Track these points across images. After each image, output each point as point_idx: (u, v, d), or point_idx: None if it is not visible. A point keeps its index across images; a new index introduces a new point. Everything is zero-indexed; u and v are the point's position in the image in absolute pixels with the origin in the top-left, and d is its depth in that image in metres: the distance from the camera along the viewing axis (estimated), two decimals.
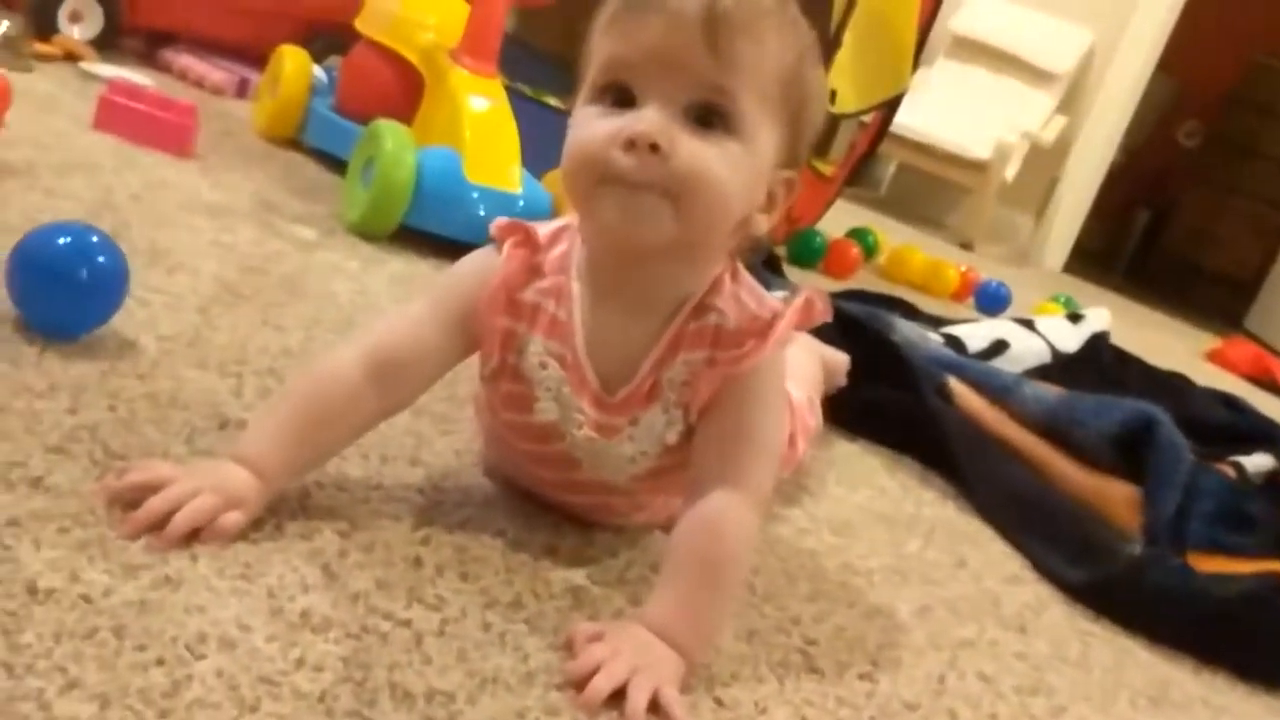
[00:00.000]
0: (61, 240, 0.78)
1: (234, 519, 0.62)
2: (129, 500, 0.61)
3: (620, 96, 0.63)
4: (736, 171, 0.64)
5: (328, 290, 1.07)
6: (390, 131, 1.28)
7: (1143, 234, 5.27)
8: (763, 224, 0.68)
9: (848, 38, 2.04)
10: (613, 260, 0.69)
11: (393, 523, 0.70)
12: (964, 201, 3.73)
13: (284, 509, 0.67)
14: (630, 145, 0.61)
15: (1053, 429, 1.15)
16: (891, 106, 2.32)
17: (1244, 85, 4.96)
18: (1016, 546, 1.04)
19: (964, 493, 1.13)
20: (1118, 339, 2.03)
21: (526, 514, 0.77)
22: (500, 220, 0.72)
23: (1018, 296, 2.42)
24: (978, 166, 3.37)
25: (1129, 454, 1.11)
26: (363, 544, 0.66)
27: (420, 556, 0.67)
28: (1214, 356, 2.91)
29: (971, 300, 2.37)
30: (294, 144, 1.60)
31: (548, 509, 0.78)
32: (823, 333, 1.19)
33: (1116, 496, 1.10)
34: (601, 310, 0.70)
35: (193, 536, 0.60)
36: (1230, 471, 1.37)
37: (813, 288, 0.70)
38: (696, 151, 0.62)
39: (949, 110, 3.44)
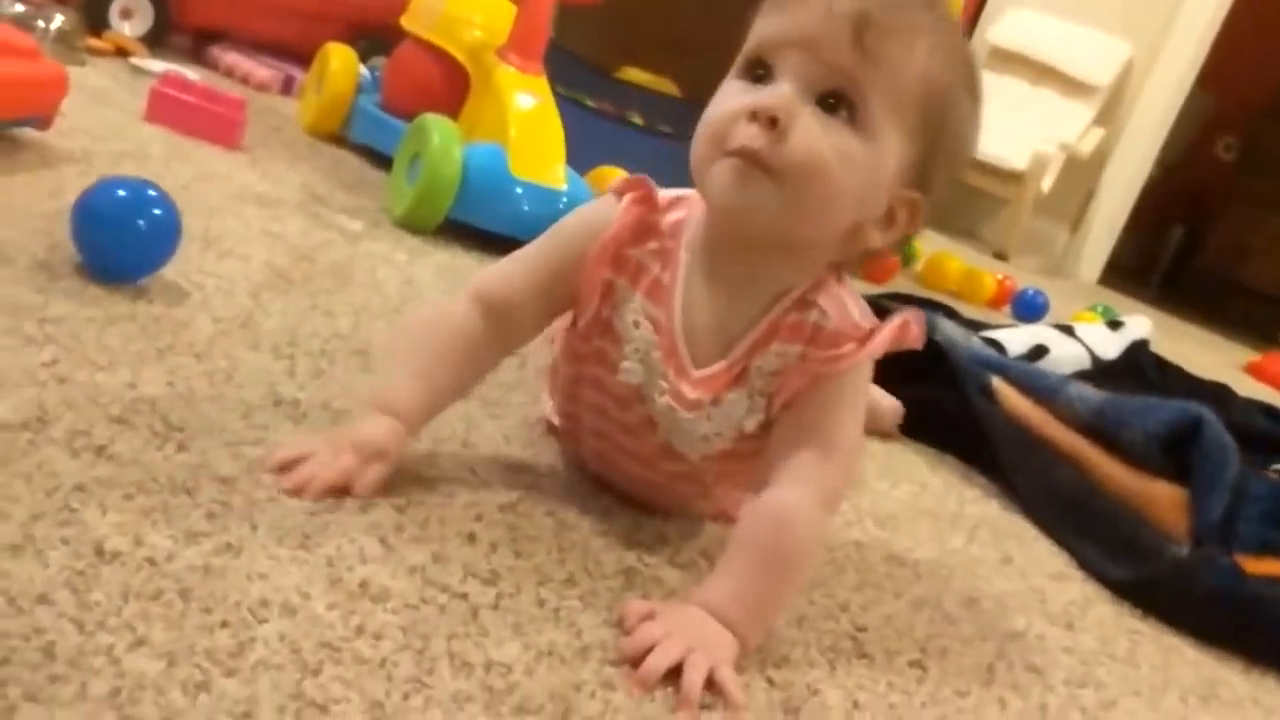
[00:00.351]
0: (121, 192, 0.84)
1: (376, 470, 0.67)
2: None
3: (760, 74, 0.65)
4: (849, 165, 0.64)
5: (374, 279, 1.08)
6: (437, 126, 1.29)
7: (1178, 249, 5.23)
8: (876, 239, 0.68)
9: None
10: (723, 239, 0.70)
11: (446, 500, 0.70)
12: (999, 212, 3.71)
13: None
14: (753, 116, 0.63)
15: (1098, 429, 1.14)
16: None
17: None
18: (1062, 545, 1.04)
19: (1007, 491, 1.13)
20: (1156, 350, 2.02)
21: (578, 497, 0.77)
22: (627, 176, 0.73)
23: (1054, 306, 2.41)
24: (1014, 177, 3.35)
25: (1176, 455, 1.10)
26: (418, 519, 0.67)
27: (474, 533, 0.68)
28: (1252, 369, 2.88)
29: (1008, 308, 2.35)
30: (339, 140, 1.61)
31: (598, 492, 0.79)
32: None
33: (1164, 498, 1.08)
34: (704, 284, 0.70)
35: (344, 491, 0.66)
36: (1274, 478, 1.36)
37: (911, 310, 0.69)
38: (813, 134, 0.63)
39: (986, 121, 3.42)
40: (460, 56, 1.46)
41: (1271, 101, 4.97)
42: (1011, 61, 3.65)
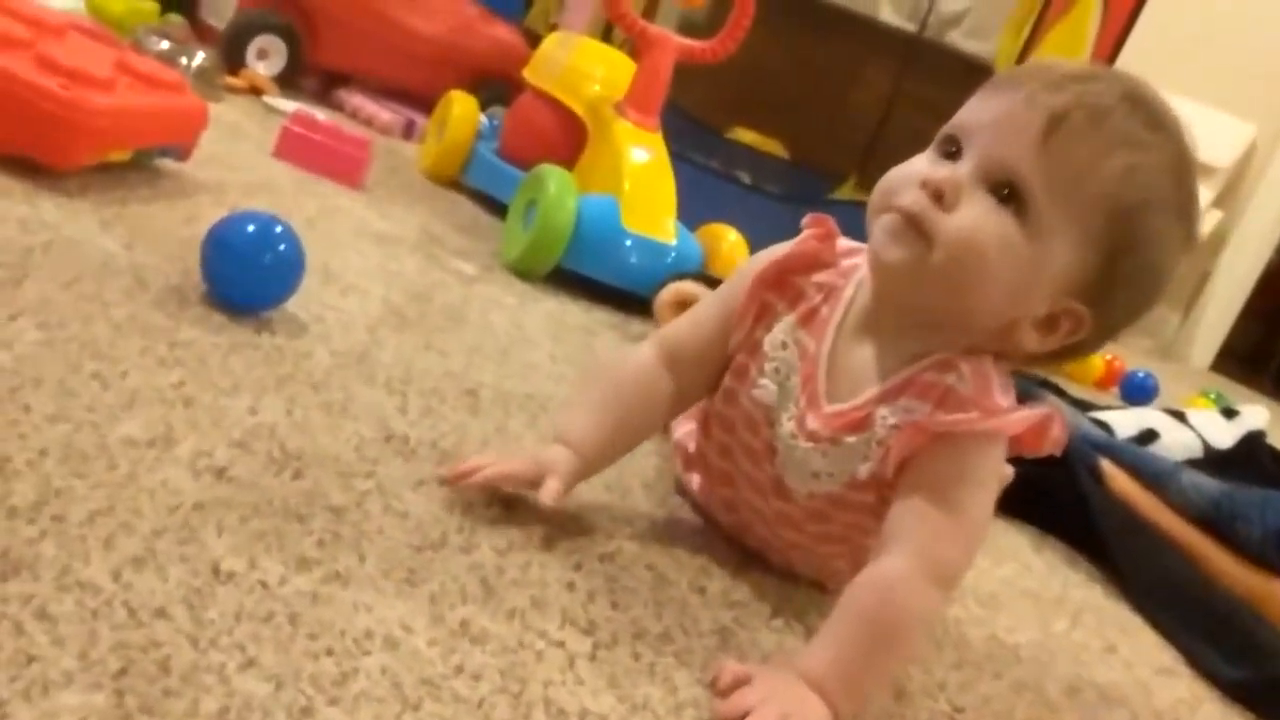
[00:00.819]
0: (250, 227, 0.86)
1: (552, 485, 0.70)
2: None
3: (951, 150, 0.66)
4: (1005, 254, 0.63)
5: (486, 321, 1.10)
6: (554, 176, 1.31)
7: None
8: (1032, 341, 0.66)
9: None
10: (881, 295, 0.71)
11: (546, 547, 0.70)
12: None
13: (449, 522, 0.68)
14: (923, 185, 0.64)
15: (1214, 521, 1.10)
16: None
17: None
18: (1170, 639, 1.00)
19: (1114, 579, 1.10)
20: (1275, 439, 1.94)
21: (674, 554, 0.77)
22: (813, 214, 0.75)
23: (1164, 390, 2.34)
24: None
25: None
26: (519, 563, 0.67)
27: (573, 581, 0.68)
28: None
29: (1116, 389, 2.29)
30: (456, 185, 1.65)
31: (696, 550, 0.78)
32: None
33: None
34: (857, 329, 0.72)
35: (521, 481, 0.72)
36: None
37: (1056, 410, 0.67)
38: (975, 214, 0.63)
39: None
40: (579, 109, 1.49)
41: None
42: None
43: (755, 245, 0.88)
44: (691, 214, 1.92)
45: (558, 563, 0.69)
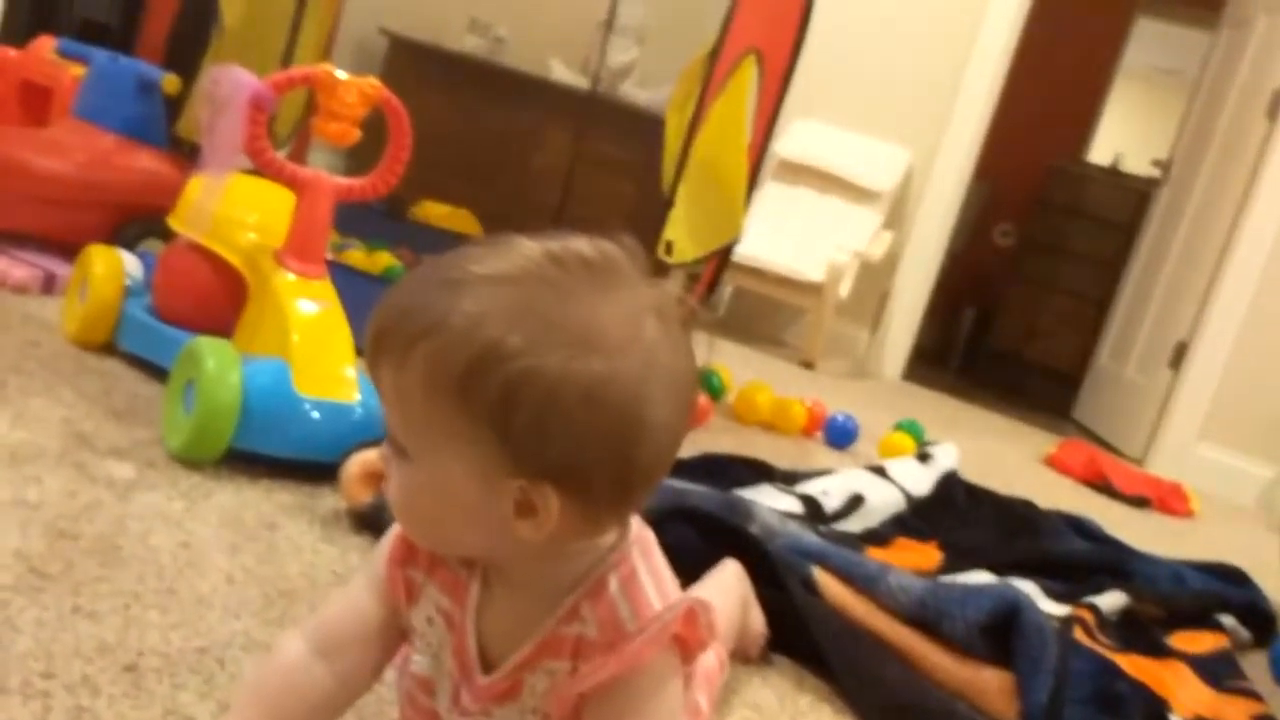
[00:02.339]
0: None
1: None
2: None
3: None
4: (411, 496, 0.63)
5: (147, 549, 0.98)
6: (211, 350, 1.20)
7: (971, 330, 5.49)
8: (531, 532, 0.60)
9: (681, 192, 2.06)
10: None
11: None
12: (802, 318, 3.81)
13: None
14: None
15: (921, 619, 1.13)
16: (728, 249, 2.35)
17: (1046, 188, 5.28)
18: None
19: (839, 692, 1.10)
20: (962, 454, 2.07)
21: None
22: None
23: (864, 418, 2.45)
24: (812, 289, 3.44)
25: (999, 640, 1.10)
26: None
27: None
28: (1052, 462, 3.01)
29: (821, 434, 2.38)
30: (111, 349, 1.49)
31: None
32: (680, 533, 1.16)
33: (991, 685, 1.08)
34: (497, 587, 0.67)
35: None
36: (1088, 616, 1.40)
37: (697, 600, 0.64)
38: (391, 485, 0.64)
39: (780, 234, 3.52)
40: (235, 261, 1.38)
41: (1040, 189, 5.32)
42: (799, 172, 3.78)
43: None
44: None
45: None
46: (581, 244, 0.61)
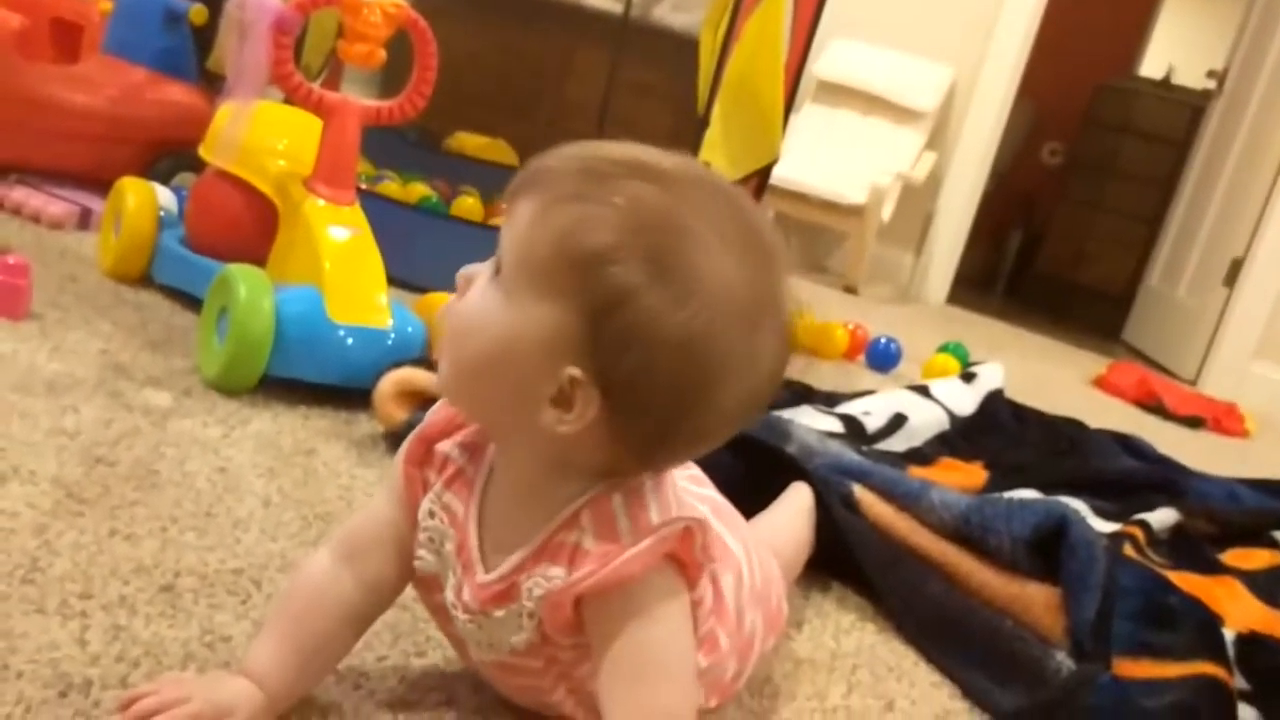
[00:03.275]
0: None
1: None
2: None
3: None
4: (484, 319, 0.62)
5: (184, 474, 0.98)
6: (244, 278, 1.19)
7: (1018, 254, 5.40)
8: (554, 420, 0.60)
9: (716, 113, 2.02)
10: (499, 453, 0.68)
11: None
12: (844, 243, 3.76)
13: None
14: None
15: (965, 535, 1.11)
16: (766, 172, 2.30)
17: (1095, 105, 5.13)
18: (944, 671, 1.00)
19: (882, 610, 1.09)
20: (1009, 377, 2.03)
21: None
22: None
23: (908, 343, 2.42)
24: (854, 211, 3.39)
25: (1046, 556, 1.08)
26: None
27: None
28: (1101, 383, 2.96)
29: (863, 359, 2.35)
30: (146, 280, 1.50)
31: None
32: (714, 454, 1.14)
33: (1038, 601, 1.06)
34: (502, 487, 0.68)
35: None
36: (1139, 534, 1.37)
37: (695, 519, 0.63)
38: (471, 295, 0.63)
39: (820, 156, 3.46)
40: (265, 189, 1.37)
41: (1089, 107, 5.17)
42: (839, 94, 3.71)
43: None
44: (415, 266, 1.83)
45: None
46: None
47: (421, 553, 0.70)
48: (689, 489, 0.76)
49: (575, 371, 0.59)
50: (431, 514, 0.69)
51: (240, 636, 0.76)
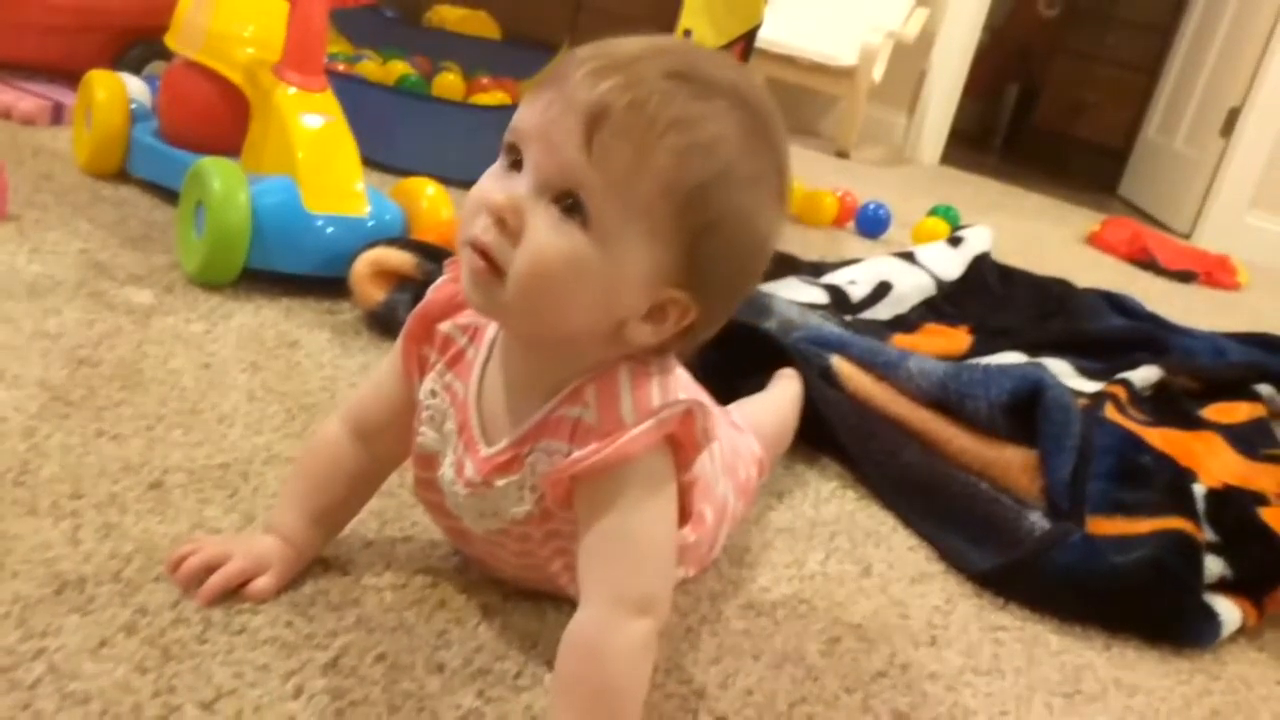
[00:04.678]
0: None
1: (263, 584, 0.71)
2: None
3: (513, 159, 0.62)
4: (578, 271, 0.60)
5: (168, 372, 0.99)
6: (218, 171, 1.19)
7: (1014, 108, 5.31)
8: (645, 335, 0.63)
9: None
10: (504, 335, 0.70)
11: (260, 679, 0.65)
12: (835, 105, 3.70)
13: (142, 687, 0.61)
14: (489, 212, 0.60)
15: (943, 402, 1.13)
16: (750, 35, 2.26)
17: None
18: (920, 534, 1.03)
19: (862, 478, 1.12)
20: (1000, 236, 2.03)
21: (408, 628, 0.72)
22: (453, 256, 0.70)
23: (898, 206, 2.41)
24: (845, 73, 3.32)
25: (1023, 420, 1.10)
26: (230, 715, 0.61)
27: (294, 717, 0.63)
28: (1094, 240, 2.95)
29: (852, 225, 2.34)
30: (125, 176, 1.49)
31: (432, 611, 0.74)
32: None
33: (1015, 463, 1.09)
34: (502, 366, 0.69)
35: (233, 594, 0.70)
36: (1121, 393, 1.39)
37: (697, 402, 0.64)
38: (540, 238, 0.60)
39: (808, 17, 3.38)
40: (234, 78, 1.35)
41: None
42: None
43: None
44: (397, 149, 1.81)
45: (274, 697, 0.64)
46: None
47: (424, 429, 0.72)
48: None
49: (676, 294, 0.62)
50: (434, 393, 0.71)
51: (230, 528, 0.79)
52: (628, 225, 0.59)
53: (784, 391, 1.10)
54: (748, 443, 0.92)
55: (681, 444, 0.64)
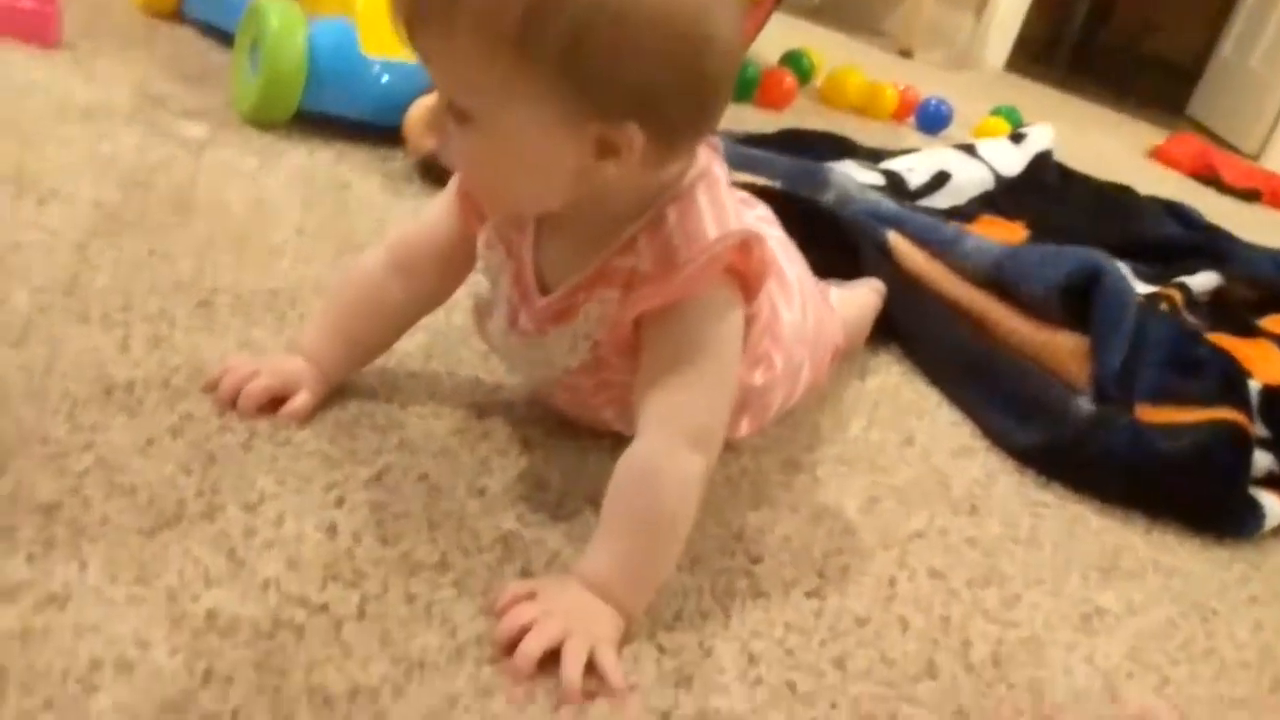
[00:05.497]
0: None
1: (302, 400, 0.71)
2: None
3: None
4: (481, 163, 0.61)
5: (220, 201, 0.99)
6: (275, 9, 1.17)
7: (1084, 22, 5.14)
8: (616, 171, 0.59)
9: None
10: None
11: (302, 487, 0.65)
12: (901, 3, 3.60)
13: (186, 485, 0.62)
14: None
15: (998, 283, 1.11)
16: None
17: None
18: (965, 411, 1.02)
19: (909, 355, 1.10)
20: (1061, 147, 1.98)
21: (450, 454, 0.73)
22: None
23: (960, 108, 2.35)
24: None
25: (1077, 305, 1.08)
26: (271, 517, 0.62)
27: (335, 523, 0.63)
28: (1158, 155, 2.87)
29: (912, 120, 2.29)
30: (180, 16, 1.47)
31: (475, 441, 0.74)
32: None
33: (1065, 348, 1.07)
34: (557, 218, 0.67)
35: (268, 409, 0.70)
36: (1177, 296, 1.36)
37: (749, 232, 0.63)
38: (459, 155, 0.62)
39: None
40: None
41: None
42: None
43: None
44: None
45: (316, 505, 0.64)
46: None
47: (480, 279, 0.73)
48: (761, 228, 0.77)
49: (596, 125, 0.57)
50: (489, 244, 0.70)
51: (277, 348, 0.79)
52: (487, 99, 0.57)
53: (868, 296, 1.08)
54: (834, 327, 0.92)
55: (743, 274, 0.63)
